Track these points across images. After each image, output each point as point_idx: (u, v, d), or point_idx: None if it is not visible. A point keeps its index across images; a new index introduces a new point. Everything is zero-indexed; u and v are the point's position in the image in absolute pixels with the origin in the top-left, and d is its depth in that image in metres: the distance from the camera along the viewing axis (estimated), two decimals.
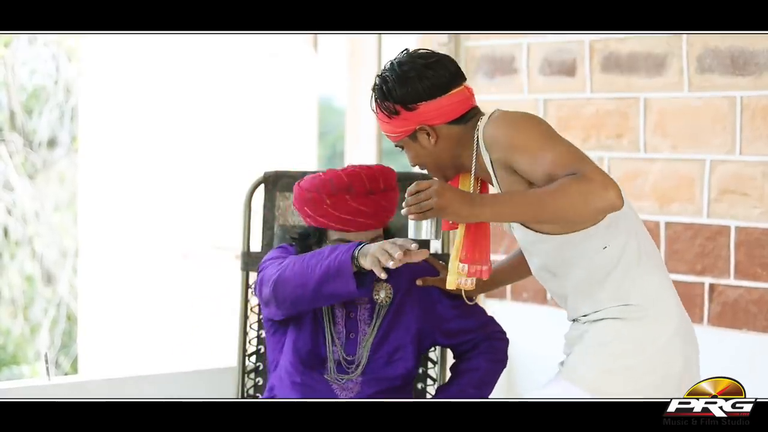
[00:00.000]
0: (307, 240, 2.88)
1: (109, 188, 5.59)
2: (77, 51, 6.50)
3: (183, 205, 5.35)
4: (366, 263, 2.56)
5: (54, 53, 6.93)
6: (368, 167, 2.82)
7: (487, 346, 2.92)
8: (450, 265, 2.66)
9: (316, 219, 2.82)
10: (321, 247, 2.79)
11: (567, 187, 2.32)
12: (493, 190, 2.59)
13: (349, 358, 2.87)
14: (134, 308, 5.48)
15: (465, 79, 2.57)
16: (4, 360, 7.14)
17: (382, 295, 2.90)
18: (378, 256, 2.52)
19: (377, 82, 2.59)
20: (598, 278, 2.48)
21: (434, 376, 3.17)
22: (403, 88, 2.52)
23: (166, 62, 5.34)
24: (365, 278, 2.64)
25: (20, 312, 7.09)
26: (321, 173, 2.82)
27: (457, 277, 2.64)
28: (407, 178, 3.28)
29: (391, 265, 2.49)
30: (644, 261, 2.49)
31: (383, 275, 2.52)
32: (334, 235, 2.83)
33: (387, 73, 2.57)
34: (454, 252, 2.62)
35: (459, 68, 2.57)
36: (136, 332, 5.47)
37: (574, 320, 2.57)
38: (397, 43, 4.86)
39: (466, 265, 2.62)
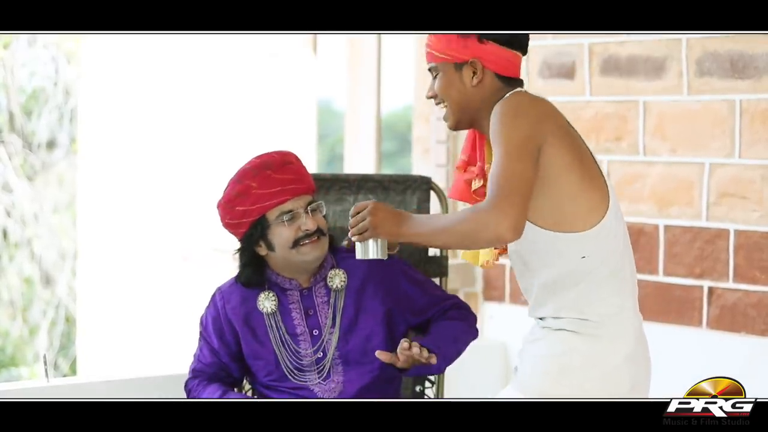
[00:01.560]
0: (251, 242, 2.86)
1: (109, 190, 5.59)
2: (76, 53, 6.51)
3: (182, 207, 5.35)
4: None
5: (53, 55, 6.94)
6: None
7: (455, 312, 2.93)
8: None
9: (251, 211, 2.81)
10: (267, 240, 2.82)
11: (465, 218, 2.33)
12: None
13: (319, 356, 2.87)
14: (133, 310, 5.48)
15: (526, 53, 2.58)
16: (2, 362, 7.13)
17: (337, 281, 2.89)
18: None
19: None
20: (566, 284, 2.45)
21: (432, 378, 3.17)
22: None
23: (166, 64, 5.35)
24: None
25: (19, 314, 7.09)
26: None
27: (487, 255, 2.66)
28: (406, 180, 3.28)
29: None
30: (613, 281, 2.46)
31: None
32: (273, 214, 2.81)
33: None
34: None
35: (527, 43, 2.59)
36: (135, 334, 5.47)
37: (538, 319, 2.55)
38: (397, 44, 4.87)
39: None
